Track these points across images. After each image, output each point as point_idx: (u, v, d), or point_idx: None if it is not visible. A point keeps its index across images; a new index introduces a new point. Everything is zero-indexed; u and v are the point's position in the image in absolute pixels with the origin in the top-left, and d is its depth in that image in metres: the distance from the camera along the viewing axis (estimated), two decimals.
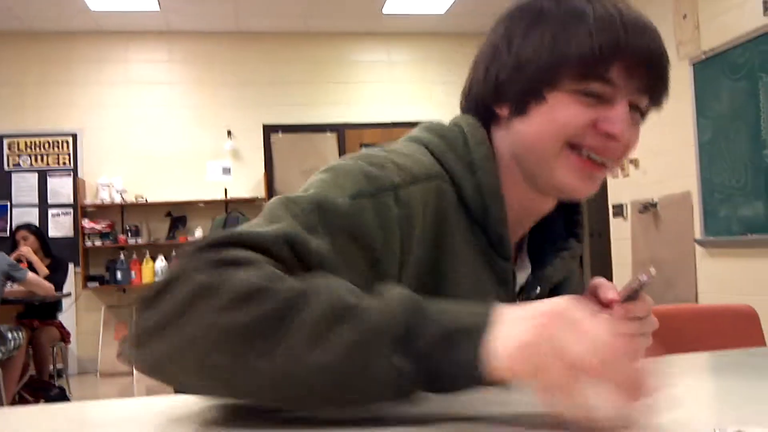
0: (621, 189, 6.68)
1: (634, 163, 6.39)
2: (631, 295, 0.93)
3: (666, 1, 5.84)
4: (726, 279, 5.24)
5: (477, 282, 0.97)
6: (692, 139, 5.49)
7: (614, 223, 6.86)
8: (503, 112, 0.99)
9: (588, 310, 0.66)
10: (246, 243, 0.77)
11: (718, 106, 5.23)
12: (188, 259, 0.75)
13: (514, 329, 0.66)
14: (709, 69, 5.30)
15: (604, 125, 0.92)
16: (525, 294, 1.06)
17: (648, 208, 6.11)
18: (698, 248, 5.53)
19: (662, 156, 5.96)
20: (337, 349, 0.66)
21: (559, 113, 0.93)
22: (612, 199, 6.88)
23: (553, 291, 1.10)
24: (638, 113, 0.97)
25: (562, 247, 1.09)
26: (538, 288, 1.06)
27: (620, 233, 6.73)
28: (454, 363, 0.67)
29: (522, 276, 1.07)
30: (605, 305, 0.94)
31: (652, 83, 0.95)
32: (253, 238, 0.77)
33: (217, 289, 0.69)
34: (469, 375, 0.67)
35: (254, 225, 0.83)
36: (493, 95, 0.99)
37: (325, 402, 0.68)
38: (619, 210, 6.74)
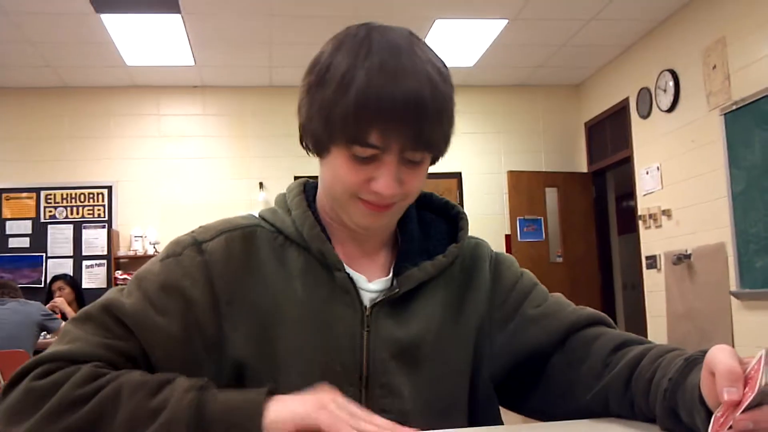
0: (654, 240, 6.62)
1: (667, 214, 6.34)
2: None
3: (695, 53, 5.86)
4: (763, 331, 5.13)
5: (323, 295, 1.10)
6: (725, 189, 5.44)
7: (647, 274, 6.79)
8: (313, 154, 1.12)
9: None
10: (62, 356, 0.97)
11: (750, 156, 5.19)
12: (27, 366, 0.97)
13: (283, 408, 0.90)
14: (741, 119, 5.28)
15: (372, 185, 1.03)
16: (384, 296, 1.12)
17: (682, 259, 6.03)
18: (734, 300, 5.44)
19: (695, 207, 5.91)
20: None
21: (337, 171, 1.05)
22: (645, 251, 6.82)
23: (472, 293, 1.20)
24: (417, 163, 1.05)
25: (441, 252, 1.18)
26: (397, 290, 1.12)
27: (654, 285, 6.65)
28: None
29: (383, 282, 1.15)
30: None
31: (416, 140, 1.01)
32: (75, 352, 0.98)
33: (42, 398, 0.92)
34: None
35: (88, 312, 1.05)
36: (302, 139, 1.12)
37: None
38: (652, 262, 6.67)
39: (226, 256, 1.09)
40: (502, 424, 1.18)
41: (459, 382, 1.15)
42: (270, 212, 1.18)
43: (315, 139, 1.07)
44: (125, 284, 1.09)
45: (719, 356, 0.84)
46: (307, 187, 1.21)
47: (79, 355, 0.97)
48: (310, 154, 1.13)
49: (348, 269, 1.12)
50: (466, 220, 1.23)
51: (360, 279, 1.13)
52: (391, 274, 1.16)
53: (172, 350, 1.02)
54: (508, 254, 1.30)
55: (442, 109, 1.02)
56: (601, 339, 1.12)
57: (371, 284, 1.13)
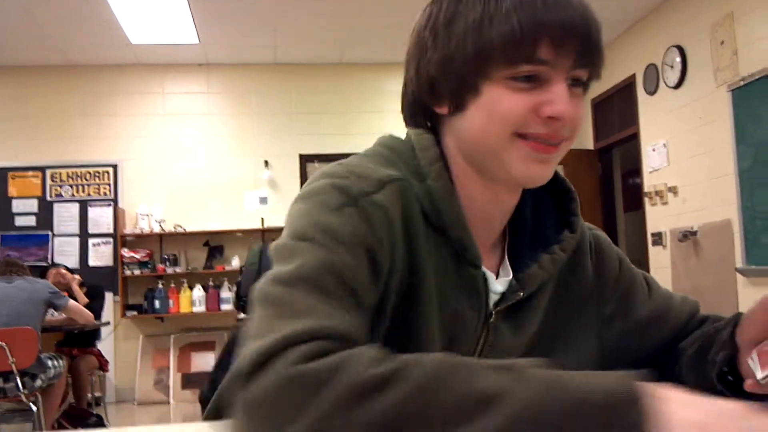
0: (660, 217, 6.61)
1: (673, 190, 6.32)
2: None
3: (703, 28, 5.81)
4: None
5: (445, 290, 0.94)
6: (732, 166, 5.42)
7: (653, 251, 6.78)
8: (443, 110, 0.96)
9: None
10: (325, 334, 0.71)
11: (758, 132, 5.16)
12: (271, 349, 0.69)
13: None
14: (748, 95, 5.24)
15: (545, 109, 0.88)
16: (505, 301, 0.99)
17: (687, 236, 6.02)
18: (740, 277, 5.44)
19: (701, 183, 5.89)
20: None
21: (497, 106, 0.89)
22: (651, 228, 6.80)
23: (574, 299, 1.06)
24: (580, 87, 0.92)
25: (554, 241, 1.02)
26: (521, 293, 0.99)
27: (659, 262, 6.64)
28: None
29: (504, 282, 1.00)
30: None
31: (586, 55, 0.89)
32: (331, 328, 0.72)
33: (320, 385, 0.65)
34: None
35: (283, 276, 0.79)
36: (428, 94, 0.96)
37: None
38: (658, 238, 6.66)
39: (395, 214, 0.89)
40: None
41: None
42: (393, 165, 0.96)
43: (459, 82, 0.91)
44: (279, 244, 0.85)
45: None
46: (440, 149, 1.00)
47: (338, 334, 0.72)
48: (447, 115, 0.96)
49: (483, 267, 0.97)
50: (578, 201, 1.06)
51: (491, 278, 0.98)
52: (510, 273, 1.01)
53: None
54: (601, 233, 1.15)
55: (600, 25, 0.91)
56: (705, 326, 1.12)
57: (497, 284, 0.99)
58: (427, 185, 0.94)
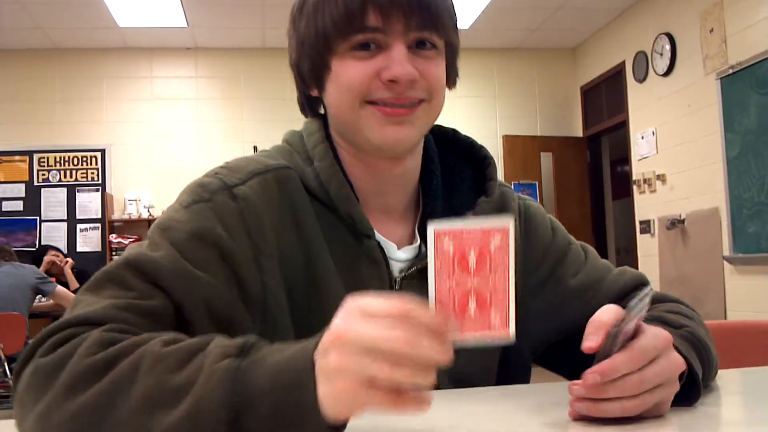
0: (648, 205, 6.63)
1: (661, 178, 6.34)
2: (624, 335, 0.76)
3: (692, 16, 5.82)
4: (755, 296, 5.16)
5: (348, 264, 0.98)
6: (720, 154, 5.44)
7: (641, 239, 6.81)
8: (314, 92, 1.02)
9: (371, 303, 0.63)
10: (71, 323, 0.77)
11: (746, 120, 5.18)
12: (36, 341, 0.77)
13: (327, 371, 0.63)
14: (737, 83, 5.25)
15: (384, 74, 0.92)
16: (413, 267, 1.02)
17: (675, 224, 6.05)
18: (727, 265, 5.47)
19: (689, 172, 5.91)
20: None
21: (343, 77, 0.94)
22: (639, 216, 6.83)
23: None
24: (430, 49, 0.96)
25: (470, 207, 1.06)
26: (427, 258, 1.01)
27: (647, 250, 6.68)
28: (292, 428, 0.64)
29: (410, 250, 1.04)
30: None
31: (416, 17, 0.92)
32: (86, 315, 0.78)
33: (49, 376, 0.71)
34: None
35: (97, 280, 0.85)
36: (299, 79, 1.03)
37: None
38: (646, 226, 6.69)
39: (262, 203, 0.94)
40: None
41: (491, 356, 1.07)
42: (287, 154, 1.03)
43: (312, 62, 0.97)
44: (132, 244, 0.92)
45: (601, 313, 0.83)
46: (327, 131, 1.05)
47: (92, 320, 0.77)
48: (320, 97, 1.02)
49: (378, 236, 1.01)
50: (495, 166, 1.10)
51: (390, 247, 1.02)
52: (418, 240, 1.05)
53: (212, 307, 0.85)
54: (535, 203, 1.18)
55: None
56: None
57: (400, 252, 1.03)
58: (314, 167, 1.00)
